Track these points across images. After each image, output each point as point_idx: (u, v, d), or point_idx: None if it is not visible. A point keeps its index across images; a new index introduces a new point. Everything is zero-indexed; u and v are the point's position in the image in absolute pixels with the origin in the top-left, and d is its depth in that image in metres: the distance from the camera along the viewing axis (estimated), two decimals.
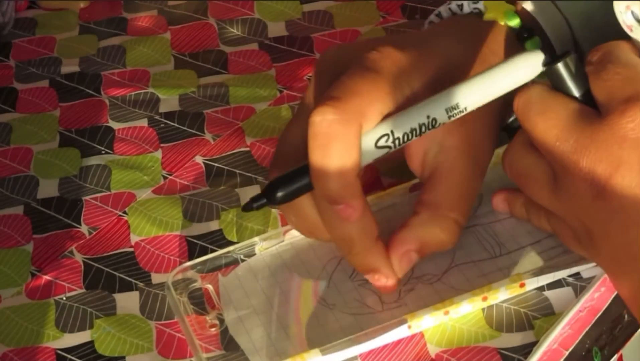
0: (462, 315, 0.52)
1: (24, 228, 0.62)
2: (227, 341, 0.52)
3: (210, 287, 0.55)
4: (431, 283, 0.54)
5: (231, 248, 0.57)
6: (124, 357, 0.53)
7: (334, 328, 0.52)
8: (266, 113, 0.68)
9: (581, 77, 0.46)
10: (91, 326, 0.55)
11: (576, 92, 0.46)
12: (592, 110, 0.44)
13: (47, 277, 0.58)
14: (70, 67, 0.75)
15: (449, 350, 0.51)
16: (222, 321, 0.53)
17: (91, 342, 0.54)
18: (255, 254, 0.57)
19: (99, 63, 0.75)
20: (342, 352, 0.50)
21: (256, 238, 0.57)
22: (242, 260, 0.57)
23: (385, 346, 0.52)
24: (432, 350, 0.51)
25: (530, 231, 0.55)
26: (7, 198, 0.64)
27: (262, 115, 0.68)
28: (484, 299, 0.52)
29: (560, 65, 0.45)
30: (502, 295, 0.52)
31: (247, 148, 0.65)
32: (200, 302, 0.55)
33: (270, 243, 0.57)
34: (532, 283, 0.52)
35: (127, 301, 0.56)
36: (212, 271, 0.56)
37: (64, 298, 0.57)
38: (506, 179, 0.52)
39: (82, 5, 0.81)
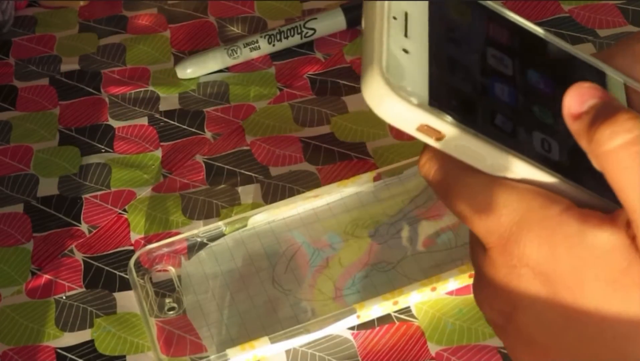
0: (462, 313, 0.52)
1: (24, 227, 0.62)
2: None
3: (172, 270, 0.56)
4: (385, 272, 0.55)
5: (195, 231, 0.58)
6: (124, 356, 0.53)
7: (287, 314, 0.53)
8: (266, 112, 0.68)
9: None
10: (91, 326, 0.55)
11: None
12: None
13: (47, 276, 0.58)
14: (70, 65, 0.74)
15: (449, 348, 0.51)
16: (181, 303, 0.55)
17: (91, 341, 0.54)
18: (218, 238, 0.58)
19: (98, 61, 0.75)
20: (291, 340, 0.51)
21: (220, 223, 0.58)
22: (206, 244, 0.57)
23: (385, 344, 0.52)
24: (433, 348, 0.51)
25: None
26: (7, 196, 0.64)
27: (262, 113, 0.68)
28: (433, 289, 0.53)
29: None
30: (451, 285, 0.53)
31: (247, 147, 0.65)
32: (162, 285, 0.56)
33: (234, 228, 0.58)
34: None
35: (127, 300, 0.56)
36: (175, 253, 0.57)
37: (64, 297, 0.57)
38: None
39: (82, 3, 0.81)
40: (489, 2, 0.37)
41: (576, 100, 0.32)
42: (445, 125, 0.32)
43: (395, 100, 0.31)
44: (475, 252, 0.36)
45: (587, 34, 0.71)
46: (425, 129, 0.32)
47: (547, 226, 0.32)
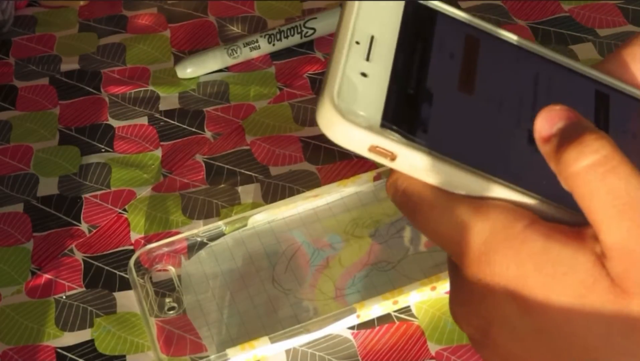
0: None
1: (24, 227, 0.62)
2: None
3: (172, 269, 0.56)
4: (385, 271, 0.55)
5: (195, 231, 0.58)
6: (124, 356, 0.53)
7: (287, 314, 0.53)
8: (266, 112, 0.68)
9: None
10: (91, 325, 0.55)
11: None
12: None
13: (47, 276, 0.58)
14: (70, 64, 0.74)
15: (449, 347, 0.51)
16: (181, 303, 0.55)
17: (91, 341, 0.54)
18: (218, 238, 0.58)
19: (98, 61, 0.75)
20: (291, 340, 0.51)
21: (220, 223, 0.58)
22: (206, 243, 0.58)
23: (385, 343, 0.52)
24: (432, 347, 0.51)
25: None
26: (7, 196, 0.64)
27: (262, 113, 0.68)
28: (433, 289, 0.53)
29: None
30: None
31: (247, 147, 0.65)
32: (162, 284, 0.56)
33: (234, 227, 0.58)
34: None
35: (127, 300, 0.56)
36: (175, 253, 0.57)
37: (64, 297, 0.57)
38: None
39: (82, 3, 0.81)
40: (466, 17, 0.37)
41: (546, 123, 0.32)
42: (396, 145, 0.32)
43: (343, 123, 0.32)
44: (450, 270, 0.36)
45: (587, 33, 0.71)
46: (378, 150, 0.32)
47: (512, 245, 0.32)
